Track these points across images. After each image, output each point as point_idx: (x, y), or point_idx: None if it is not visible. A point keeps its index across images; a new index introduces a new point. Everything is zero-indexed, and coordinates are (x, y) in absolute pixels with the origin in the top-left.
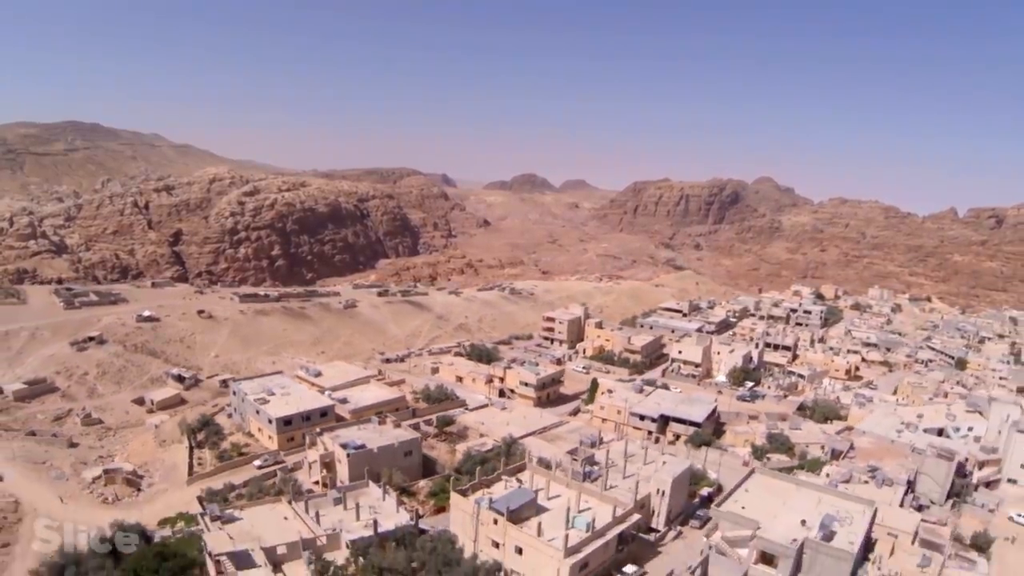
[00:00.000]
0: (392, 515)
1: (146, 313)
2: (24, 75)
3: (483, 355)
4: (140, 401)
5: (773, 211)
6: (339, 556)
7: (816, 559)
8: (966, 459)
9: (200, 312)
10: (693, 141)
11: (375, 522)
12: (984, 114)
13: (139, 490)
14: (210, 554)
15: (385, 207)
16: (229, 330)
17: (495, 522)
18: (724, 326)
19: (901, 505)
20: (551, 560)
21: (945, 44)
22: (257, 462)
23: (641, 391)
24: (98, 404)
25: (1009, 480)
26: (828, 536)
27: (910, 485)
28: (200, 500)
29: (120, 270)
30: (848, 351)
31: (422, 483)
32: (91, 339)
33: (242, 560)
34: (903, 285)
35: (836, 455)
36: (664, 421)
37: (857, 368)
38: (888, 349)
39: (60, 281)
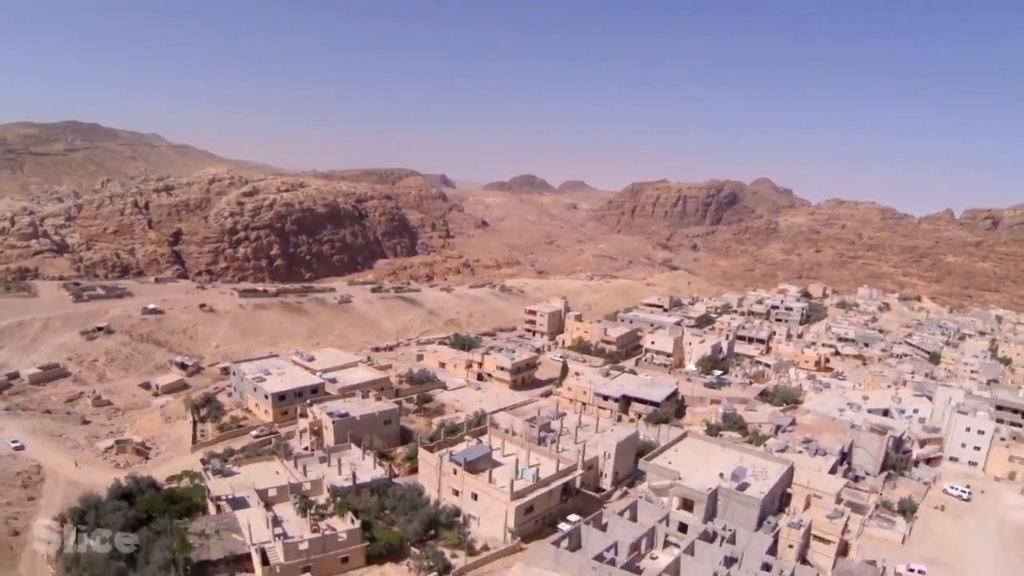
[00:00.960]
0: (370, 471)
1: (151, 306)
2: (24, 75)
3: (465, 344)
4: (146, 385)
5: (771, 212)
6: (321, 498)
7: (728, 504)
8: (907, 437)
9: (202, 306)
10: (691, 142)
11: (353, 474)
12: (983, 115)
13: (147, 458)
14: (212, 498)
15: (383, 208)
16: (229, 323)
17: (455, 472)
18: (704, 321)
19: (833, 472)
20: (500, 503)
21: (944, 45)
22: (254, 432)
23: (607, 375)
24: (107, 388)
25: (951, 458)
26: (742, 486)
27: (845, 456)
28: (203, 461)
29: (121, 269)
30: (823, 345)
31: (400, 449)
32: (100, 329)
33: (239, 503)
34: (896, 285)
35: (779, 430)
36: (626, 401)
37: (827, 360)
38: (866, 344)
39: (63, 279)
